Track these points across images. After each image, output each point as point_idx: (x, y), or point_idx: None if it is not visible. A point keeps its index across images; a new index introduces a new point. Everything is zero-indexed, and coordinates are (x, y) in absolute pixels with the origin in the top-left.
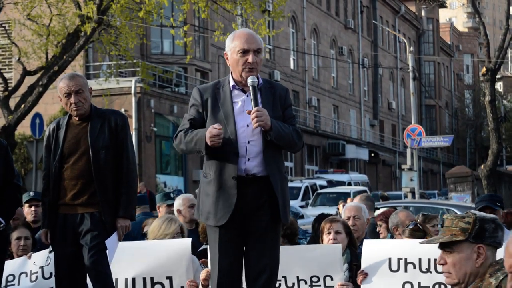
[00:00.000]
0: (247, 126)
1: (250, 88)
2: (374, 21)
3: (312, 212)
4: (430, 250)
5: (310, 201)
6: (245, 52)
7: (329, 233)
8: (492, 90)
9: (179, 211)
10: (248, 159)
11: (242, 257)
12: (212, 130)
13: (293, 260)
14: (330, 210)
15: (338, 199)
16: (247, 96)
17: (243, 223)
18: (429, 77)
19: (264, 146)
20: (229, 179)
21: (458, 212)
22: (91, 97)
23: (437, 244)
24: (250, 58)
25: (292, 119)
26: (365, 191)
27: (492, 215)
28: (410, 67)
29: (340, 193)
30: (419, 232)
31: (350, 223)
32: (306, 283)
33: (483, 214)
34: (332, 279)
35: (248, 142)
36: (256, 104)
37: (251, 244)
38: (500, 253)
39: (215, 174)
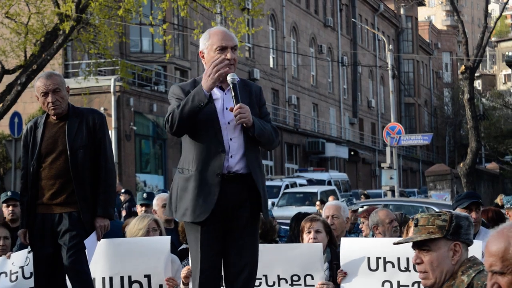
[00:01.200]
0: (228, 123)
1: (231, 85)
2: (353, 19)
3: (278, 213)
4: (408, 249)
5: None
6: (223, 49)
7: (309, 232)
8: (471, 88)
9: (155, 212)
10: (231, 156)
11: (222, 254)
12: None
13: (274, 259)
14: (296, 211)
15: (305, 199)
16: (225, 93)
17: (224, 220)
18: (408, 75)
19: (245, 143)
20: (212, 176)
21: (437, 210)
22: (68, 96)
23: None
24: (228, 54)
25: (268, 116)
26: (333, 191)
27: (465, 213)
28: (389, 65)
29: (307, 193)
30: None
31: (329, 222)
32: (286, 281)
33: (457, 212)
34: (312, 278)
35: (230, 139)
36: (237, 101)
37: (230, 242)
38: (471, 251)
39: (196, 170)
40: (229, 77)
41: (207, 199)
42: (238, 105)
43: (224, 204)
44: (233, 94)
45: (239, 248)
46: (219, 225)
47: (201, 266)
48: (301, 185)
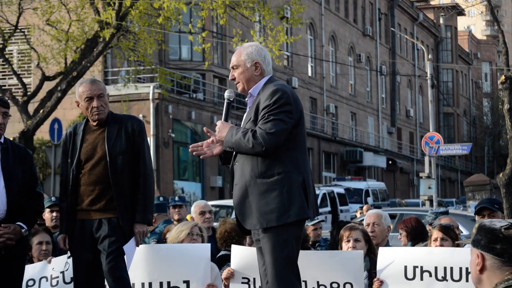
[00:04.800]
0: None
1: (225, 101)
2: (392, 29)
3: None
4: (446, 259)
5: None
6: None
7: (348, 241)
8: (511, 98)
9: (192, 219)
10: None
11: None
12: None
13: (314, 265)
14: None
15: None
16: (248, 107)
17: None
18: (447, 85)
19: (234, 156)
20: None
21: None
22: (108, 102)
23: (453, 253)
24: (230, 75)
25: (261, 120)
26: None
27: (494, 226)
28: (428, 75)
29: None
30: (449, 231)
31: (369, 229)
32: None
33: (487, 223)
34: (352, 286)
35: (234, 153)
36: (224, 118)
37: None
38: None
39: None
40: (225, 94)
41: None
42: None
43: None
44: (224, 110)
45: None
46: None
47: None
48: (339, 194)
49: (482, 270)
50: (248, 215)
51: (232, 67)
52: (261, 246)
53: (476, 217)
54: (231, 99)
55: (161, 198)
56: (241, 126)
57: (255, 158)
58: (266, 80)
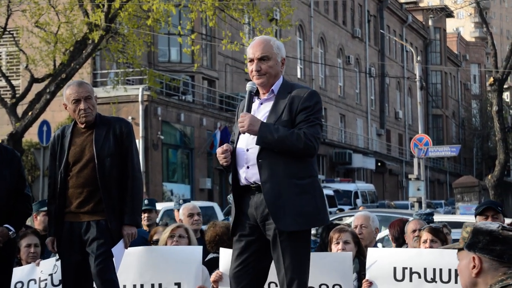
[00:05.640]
0: (244, 133)
1: (247, 93)
2: (381, 31)
3: None
4: (435, 260)
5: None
6: (251, 61)
7: (338, 243)
8: (499, 100)
9: (181, 221)
10: (248, 167)
11: (262, 266)
12: (218, 149)
13: None
14: None
15: None
16: (261, 103)
17: (259, 233)
18: (436, 87)
19: (259, 153)
20: (235, 188)
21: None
22: (96, 105)
23: (442, 255)
24: (254, 66)
25: (305, 122)
26: None
27: (491, 228)
28: (417, 77)
29: None
30: (438, 233)
31: (357, 231)
32: None
33: (482, 225)
34: None
35: (247, 150)
36: (247, 110)
37: (272, 255)
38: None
39: (231, 183)
40: (247, 86)
41: (232, 212)
42: (241, 114)
43: (252, 215)
44: (246, 103)
45: (276, 261)
46: (255, 237)
47: (229, 273)
48: (328, 195)
49: (479, 273)
50: (281, 215)
51: (262, 58)
52: (256, 248)
53: (478, 218)
54: (254, 92)
55: (145, 201)
56: (266, 121)
57: (288, 158)
58: (282, 79)
